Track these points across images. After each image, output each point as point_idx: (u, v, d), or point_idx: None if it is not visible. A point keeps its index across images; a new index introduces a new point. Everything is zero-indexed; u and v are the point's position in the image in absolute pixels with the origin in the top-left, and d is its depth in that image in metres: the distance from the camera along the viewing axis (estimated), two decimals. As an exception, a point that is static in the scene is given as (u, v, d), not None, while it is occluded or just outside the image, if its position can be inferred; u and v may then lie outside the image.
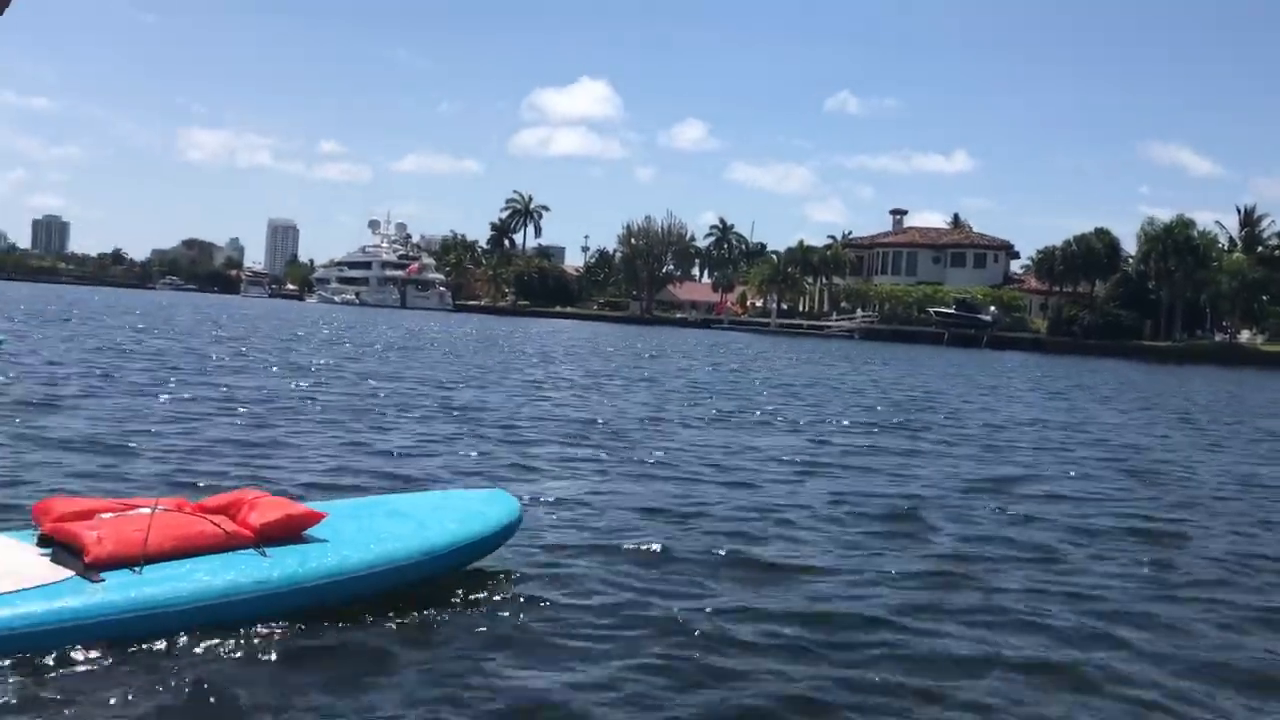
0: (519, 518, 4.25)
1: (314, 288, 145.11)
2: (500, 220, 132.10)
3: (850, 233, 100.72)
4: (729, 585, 4.15)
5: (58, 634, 2.85)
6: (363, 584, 3.52)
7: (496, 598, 3.85)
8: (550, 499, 5.71)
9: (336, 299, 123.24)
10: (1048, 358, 48.88)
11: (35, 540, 3.38)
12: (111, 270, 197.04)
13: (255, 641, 3.13)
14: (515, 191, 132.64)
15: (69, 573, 3.12)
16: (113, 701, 2.69)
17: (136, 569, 3.18)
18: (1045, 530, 5.79)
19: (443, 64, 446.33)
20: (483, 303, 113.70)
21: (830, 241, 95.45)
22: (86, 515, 3.38)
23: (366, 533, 3.75)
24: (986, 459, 8.99)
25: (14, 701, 2.64)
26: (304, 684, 2.92)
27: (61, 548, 3.27)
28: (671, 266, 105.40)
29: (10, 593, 2.94)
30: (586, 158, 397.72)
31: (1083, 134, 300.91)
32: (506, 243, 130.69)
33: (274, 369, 14.26)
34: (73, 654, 2.82)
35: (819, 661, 3.47)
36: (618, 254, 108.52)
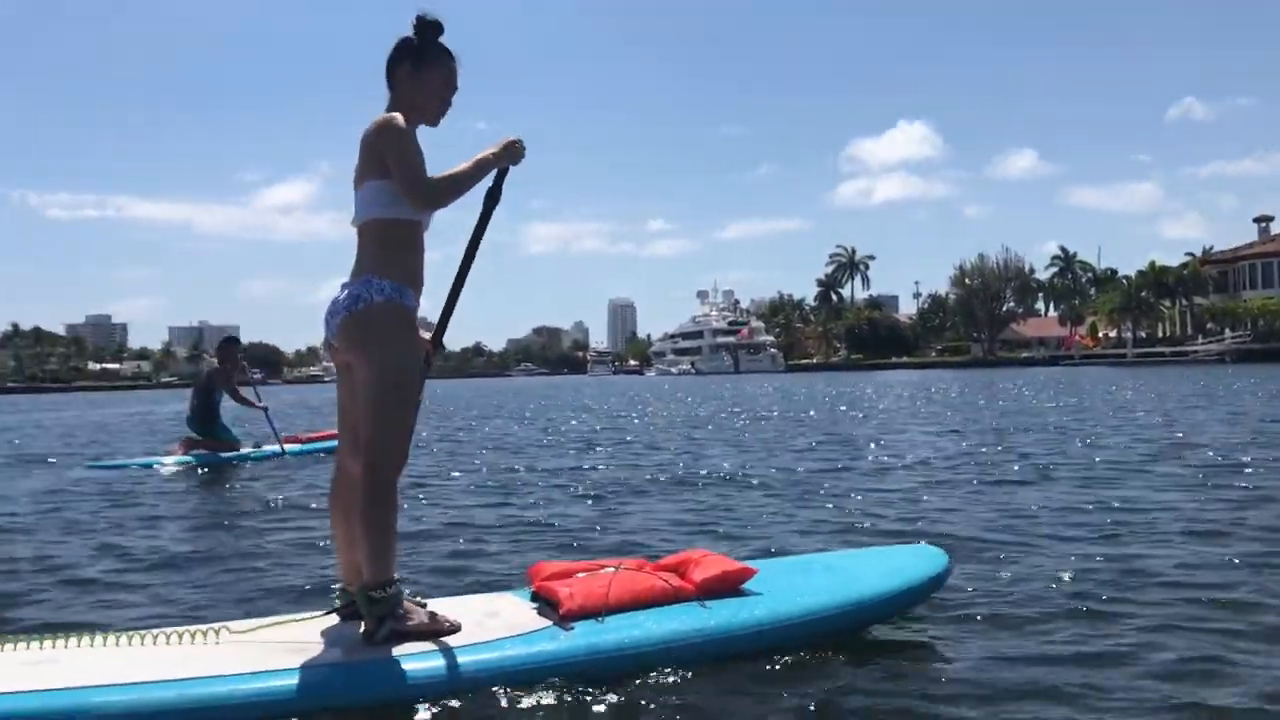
0: (946, 570, 4.28)
1: (651, 361, 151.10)
2: (826, 275, 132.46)
3: (1211, 247, 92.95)
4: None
5: (537, 671, 3.36)
6: (789, 632, 3.72)
7: (915, 647, 3.87)
8: (992, 552, 5.48)
9: (673, 370, 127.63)
10: None
11: (529, 597, 3.94)
12: (474, 362, 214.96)
13: (691, 681, 3.42)
14: (839, 245, 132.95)
15: (548, 623, 3.60)
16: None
17: (599, 619, 3.58)
18: None
19: (759, 128, 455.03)
20: (815, 360, 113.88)
21: (1187, 259, 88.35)
22: (566, 575, 3.89)
23: (795, 586, 3.98)
24: None
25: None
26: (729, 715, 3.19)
27: (545, 602, 3.80)
28: (1012, 303, 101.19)
29: (504, 638, 3.47)
30: (911, 201, 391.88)
31: None
32: (834, 297, 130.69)
33: (709, 440, 14.60)
34: (548, 689, 3.31)
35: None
36: (951, 296, 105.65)
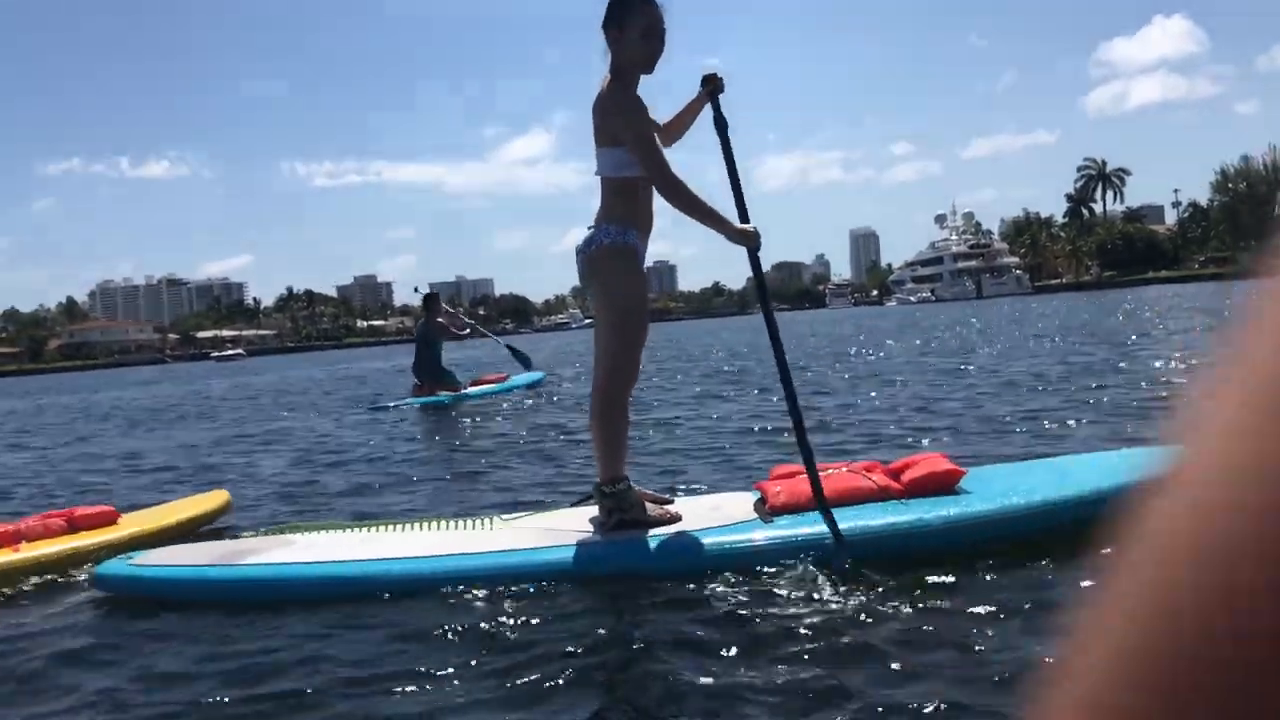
0: None
1: (891, 290, 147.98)
2: (1075, 190, 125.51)
3: None
4: None
5: (732, 557, 3.82)
6: (983, 529, 3.83)
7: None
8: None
9: (913, 299, 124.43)
10: None
11: (756, 496, 4.37)
12: (714, 302, 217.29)
13: (879, 569, 3.64)
14: (1087, 158, 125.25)
15: (755, 516, 4.07)
16: (786, 602, 3.45)
17: (799, 514, 3.97)
18: None
19: (1002, 35, 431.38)
20: (1064, 280, 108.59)
21: None
22: (790, 476, 4.25)
23: (1005, 487, 4.09)
24: None
25: (725, 599, 3.53)
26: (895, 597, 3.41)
27: (760, 500, 4.24)
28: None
29: (709, 528, 3.99)
30: (1172, 104, 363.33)
31: None
32: (1085, 213, 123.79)
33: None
34: (742, 572, 3.73)
35: None
36: (1215, 204, 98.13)
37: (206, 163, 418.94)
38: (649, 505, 4.15)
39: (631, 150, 4.00)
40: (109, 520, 5.34)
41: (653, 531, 4.02)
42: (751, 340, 30.99)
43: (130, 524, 5.36)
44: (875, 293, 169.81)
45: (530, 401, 13.08)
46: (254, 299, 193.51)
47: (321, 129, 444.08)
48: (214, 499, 5.83)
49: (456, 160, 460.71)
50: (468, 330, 14.46)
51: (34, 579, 4.61)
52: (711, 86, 4.22)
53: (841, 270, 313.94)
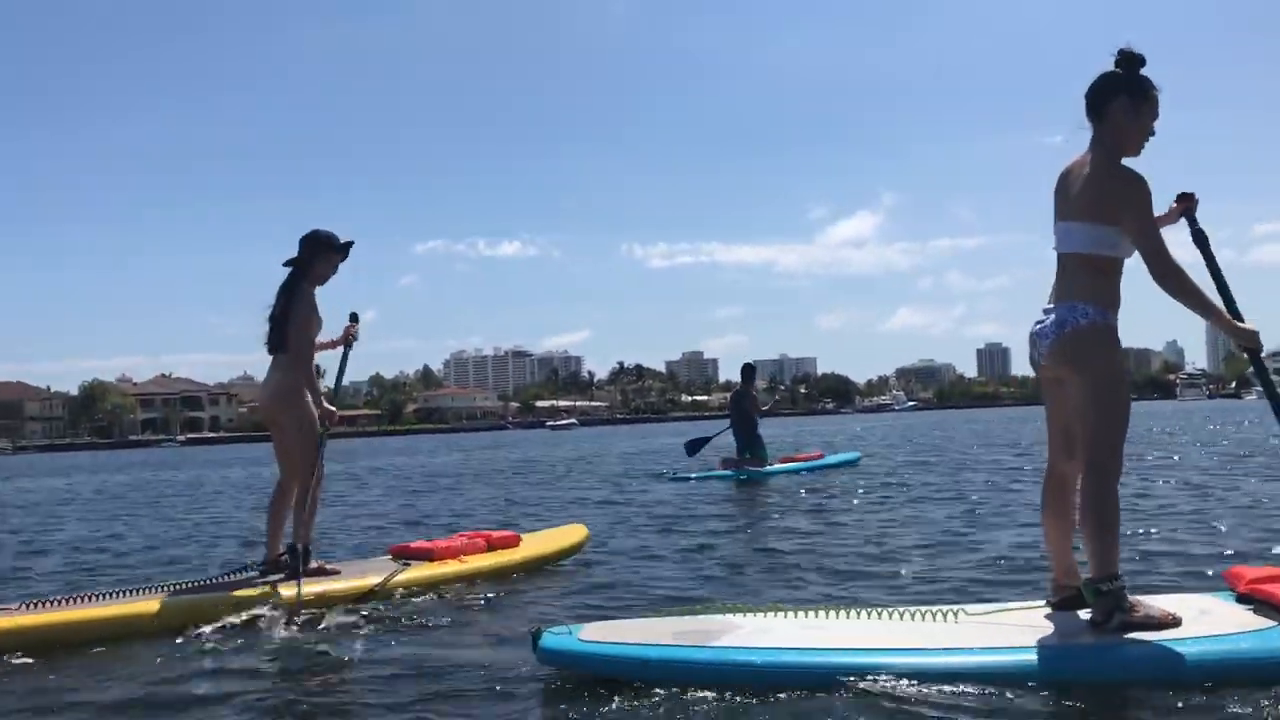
0: None
1: (1250, 384, 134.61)
2: None
3: None
4: None
5: (1270, 668, 3.41)
6: None
7: None
8: None
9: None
10: None
11: (1234, 599, 4.03)
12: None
13: None
14: None
15: (1270, 623, 3.64)
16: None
17: None
18: None
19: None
20: None
21: None
22: (1276, 579, 3.91)
23: None
24: None
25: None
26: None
27: (1261, 604, 3.82)
28: None
29: (1233, 634, 3.60)
30: None
31: None
32: None
33: None
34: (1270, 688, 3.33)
35: None
36: None
37: (554, 243, 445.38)
38: (1144, 604, 3.76)
39: (1134, 231, 3.76)
40: (514, 543, 6.57)
41: (1158, 635, 3.60)
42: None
43: (528, 547, 6.60)
44: (1234, 385, 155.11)
45: (845, 481, 13.10)
46: (588, 372, 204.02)
47: (659, 212, 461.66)
48: (579, 532, 7.14)
49: (786, 241, 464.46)
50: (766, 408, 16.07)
51: (460, 587, 5.85)
52: (1186, 205, 4.14)
53: (1196, 359, 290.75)
